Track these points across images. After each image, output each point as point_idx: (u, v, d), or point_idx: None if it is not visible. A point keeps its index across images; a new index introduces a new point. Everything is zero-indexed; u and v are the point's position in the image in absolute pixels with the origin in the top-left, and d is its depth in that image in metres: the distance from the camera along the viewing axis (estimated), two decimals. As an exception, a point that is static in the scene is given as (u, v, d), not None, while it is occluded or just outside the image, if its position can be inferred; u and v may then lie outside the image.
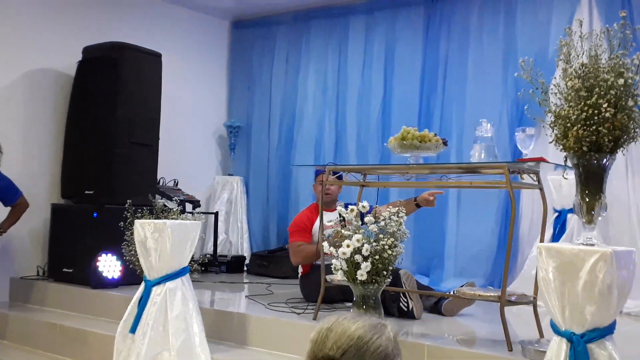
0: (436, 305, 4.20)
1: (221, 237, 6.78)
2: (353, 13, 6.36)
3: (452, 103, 5.61)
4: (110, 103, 5.34)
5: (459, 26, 5.68)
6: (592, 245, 2.27)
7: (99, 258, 5.06)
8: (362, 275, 3.10)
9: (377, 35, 6.18)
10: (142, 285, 3.70)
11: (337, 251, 3.18)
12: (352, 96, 6.26)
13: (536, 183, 3.37)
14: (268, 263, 6.28)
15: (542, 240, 3.30)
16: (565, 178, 2.69)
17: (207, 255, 6.44)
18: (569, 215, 4.80)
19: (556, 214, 4.85)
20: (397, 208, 3.14)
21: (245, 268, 6.57)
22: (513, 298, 3.22)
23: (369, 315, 1.38)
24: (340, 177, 4.03)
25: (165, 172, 6.11)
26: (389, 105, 6.00)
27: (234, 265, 6.48)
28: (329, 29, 6.51)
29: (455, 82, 5.62)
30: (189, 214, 5.68)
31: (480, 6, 5.59)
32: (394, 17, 6.07)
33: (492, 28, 5.49)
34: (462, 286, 4.03)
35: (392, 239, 3.09)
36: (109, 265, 5.10)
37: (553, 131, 2.39)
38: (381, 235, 3.10)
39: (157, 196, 5.77)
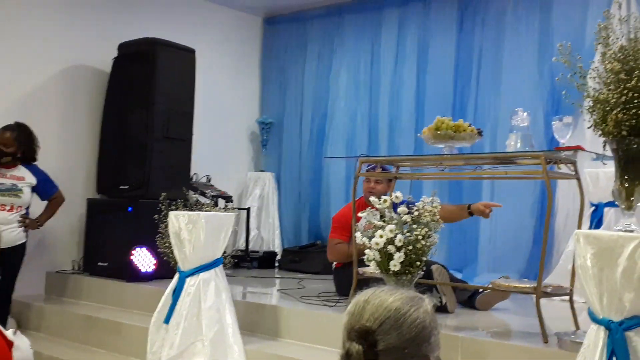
0: (470, 300, 4.15)
1: (253, 232, 6.80)
2: (386, 6, 6.33)
3: (486, 94, 5.56)
4: (144, 98, 5.41)
5: (494, 16, 5.62)
6: (632, 231, 2.22)
7: (133, 252, 5.12)
8: (395, 265, 3.07)
9: (410, 28, 6.15)
10: (176, 276, 3.73)
11: (369, 242, 3.16)
12: (385, 90, 6.24)
13: (573, 173, 3.31)
14: (299, 259, 6.28)
15: (579, 228, 3.24)
16: (604, 164, 2.64)
17: (239, 251, 6.47)
18: (606, 209, 4.70)
19: (593, 207, 4.76)
20: (431, 198, 3.10)
21: (276, 264, 6.58)
22: (549, 290, 3.17)
23: (406, 289, 1.36)
24: (374, 170, 4.01)
25: (199, 167, 6.15)
26: (422, 98, 5.97)
27: (266, 260, 6.50)
28: (361, 23, 6.49)
29: (489, 72, 5.57)
30: (221, 209, 5.74)
31: (515, -1, 5.53)
32: (427, 8, 6.04)
33: (527, 16, 5.42)
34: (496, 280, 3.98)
35: (425, 229, 3.06)
36: (143, 259, 5.16)
37: (592, 116, 2.34)
38: (415, 226, 3.06)
39: (191, 192, 5.84)
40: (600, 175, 4.59)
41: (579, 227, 3.27)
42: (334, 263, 4.72)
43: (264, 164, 7.14)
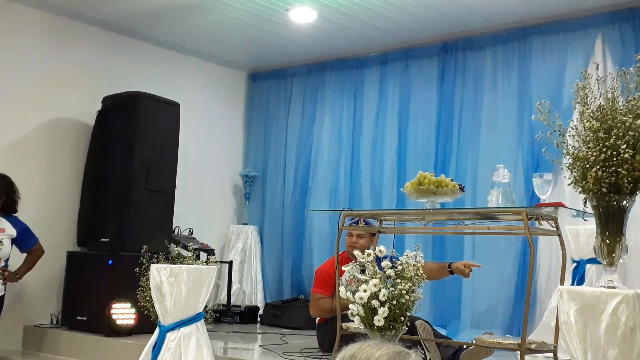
0: (454, 356, 4.12)
1: (235, 286, 6.73)
2: (367, 65, 6.48)
3: (467, 150, 5.65)
4: (127, 150, 5.41)
5: (473, 75, 5.77)
6: (614, 287, 2.24)
7: (113, 306, 5.04)
8: (379, 320, 3.05)
9: (391, 85, 6.28)
10: (157, 331, 3.68)
11: (353, 296, 3.14)
12: (367, 144, 6.32)
13: (554, 229, 3.34)
14: (282, 313, 6.22)
15: (562, 282, 3.26)
16: (585, 220, 2.67)
17: (221, 305, 6.39)
18: (588, 266, 4.73)
19: (574, 264, 4.79)
20: (414, 252, 3.11)
21: (259, 318, 6.50)
22: (533, 346, 3.17)
23: (393, 343, 1.35)
24: (357, 223, 4.03)
25: (181, 220, 6.12)
26: (404, 153, 6.05)
27: (248, 315, 6.42)
28: (344, 80, 6.62)
29: (470, 129, 5.68)
30: (203, 262, 5.69)
31: (494, 55, 5.69)
32: (408, 67, 6.19)
33: (506, 75, 5.57)
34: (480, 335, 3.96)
35: (409, 284, 3.06)
36: (122, 313, 5.07)
37: (572, 173, 2.38)
38: (398, 280, 3.06)
39: (172, 244, 5.80)
40: (580, 232, 4.64)
41: (562, 283, 3.29)
42: (317, 318, 4.68)
43: (247, 216, 7.13)
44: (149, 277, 3.85)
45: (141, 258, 4.31)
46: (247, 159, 7.30)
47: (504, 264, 5.29)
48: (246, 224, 7.07)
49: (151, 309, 4.00)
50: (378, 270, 3.19)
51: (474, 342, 3.67)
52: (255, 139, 7.27)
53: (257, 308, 6.62)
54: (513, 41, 5.56)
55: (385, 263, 3.16)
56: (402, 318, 3.08)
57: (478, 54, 5.77)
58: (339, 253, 4.82)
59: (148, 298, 4.05)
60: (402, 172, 5.96)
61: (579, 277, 4.76)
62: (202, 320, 3.71)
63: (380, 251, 3.25)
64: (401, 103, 6.16)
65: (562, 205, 3.13)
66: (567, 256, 4.43)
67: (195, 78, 6.85)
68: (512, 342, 3.23)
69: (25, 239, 4.81)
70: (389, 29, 5.91)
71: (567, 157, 2.40)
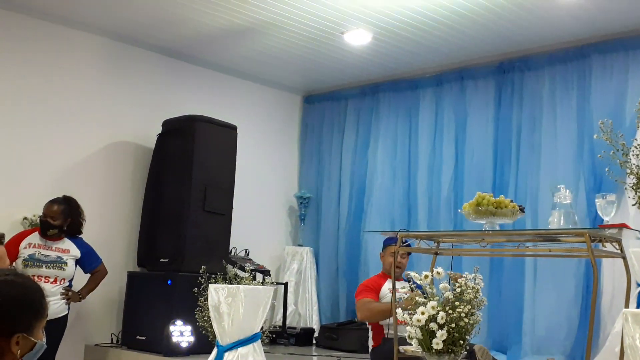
0: None
1: (290, 308, 6.75)
2: (421, 86, 6.45)
3: (526, 172, 5.55)
4: (185, 173, 5.52)
5: (531, 95, 5.68)
6: (683, 311, 2.16)
7: (172, 326, 5.11)
8: (437, 344, 3.02)
9: (446, 106, 6.23)
10: (215, 350, 3.72)
11: (410, 318, 3.12)
12: (423, 166, 6.27)
13: (619, 252, 3.25)
14: (337, 336, 6.19)
15: (626, 305, 3.16)
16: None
17: (277, 327, 6.41)
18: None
19: (639, 288, 4.63)
20: (473, 275, 3.07)
21: (314, 341, 6.49)
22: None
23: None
24: (409, 246, 4.01)
25: (237, 241, 6.19)
26: (460, 175, 5.97)
27: (303, 337, 6.41)
28: (398, 101, 6.61)
29: (529, 150, 5.57)
30: (260, 282, 5.74)
31: (551, 75, 5.59)
32: (463, 88, 6.14)
33: (565, 96, 5.47)
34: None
35: (468, 307, 3.01)
36: (181, 333, 5.13)
37: (636, 193, 2.33)
38: (457, 303, 3.02)
39: (229, 265, 5.87)
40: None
41: (627, 303, 3.19)
42: (371, 343, 4.65)
43: (302, 238, 7.16)
44: (207, 297, 3.91)
45: (199, 278, 4.39)
46: (302, 181, 7.35)
47: (566, 286, 5.15)
48: (301, 245, 7.09)
49: (209, 329, 4.06)
50: (435, 292, 3.16)
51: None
52: (310, 161, 7.31)
53: (313, 330, 6.61)
54: (572, 60, 5.46)
55: (443, 285, 3.13)
56: (461, 342, 3.03)
57: (535, 74, 5.68)
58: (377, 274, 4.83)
59: (206, 318, 4.11)
60: (460, 195, 5.88)
61: (644, 301, 4.60)
62: (259, 340, 3.74)
63: (438, 273, 3.22)
64: (457, 124, 6.11)
65: (626, 226, 3.04)
66: (632, 279, 4.30)
67: (251, 101, 6.96)
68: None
69: (89, 260, 4.93)
70: (443, 50, 5.90)
71: (631, 176, 2.34)
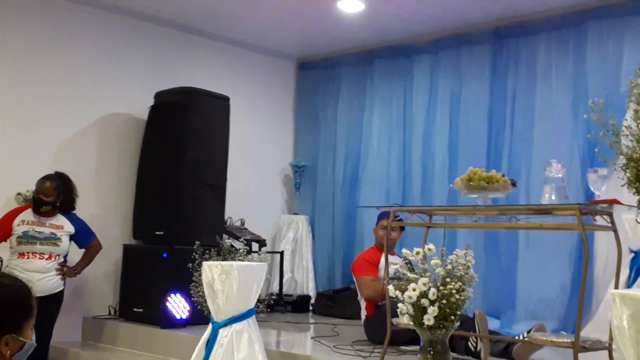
0: (506, 350, 4.08)
1: (287, 276, 6.80)
2: (417, 52, 6.37)
3: (520, 141, 5.52)
4: (179, 146, 5.50)
5: (526, 62, 5.61)
6: (671, 293, 2.16)
7: (169, 298, 5.15)
8: (429, 320, 3.04)
9: (442, 74, 6.16)
10: (209, 327, 3.75)
11: (402, 295, 3.14)
12: (418, 135, 6.24)
13: (610, 225, 3.25)
14: (333, 303, 6.25)
15: (616, 284, 3.18)
16: (638, 222, 2.59)
17: (273, 296, 6.44)
18: (647, 244, 4.59)
19: (632, 254, 4.65)
20: (464, 251, 3.08)
21: (310, 307, 6.56)
22: (587, 344, 3.10)
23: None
24: (401, 221, 4.01)
25: (232, 211, 6.20)
26: (455, 144, 5.94)
27: (300, 304, 6.48)
28: (393, 69, 6.54)
29: (523, 120, 5.53)
30: (255, 254, 5.76)
31: (547, 41, 5.52)
32: (459, 55, 6.06)
33: (560, 64, 5.40)
34: (531, 329, 3.90)
35: (459, 283, 3.03)
36: (177, 306, 5.18)
37: (625, 174, 2.31)
38: (448, 279, 3.04)
39: (225, 236, 5.89)
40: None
41: (617, 279, 3.21)
42: (364, 313, 4.69)
43: (298, 207, 7.17)
44: (201, 273, 3.93)
45: (194, 254, 4.40)
46: (297, 149, 7.33)
47: (559, 255, 5.17)
48: (297, 214, 7.11)
49: (204, 304, 4.09)
50: (427, 268, 3.17)
51: (527, 338, 3.62)
52: (305, 129, 7.28)
53: (309, 297, 6.67)
54: (568, 26, 5.38)
55: (434, 261, 3.14)
56: (452, 317, 3.06)
57: (531, 40, 5.60)
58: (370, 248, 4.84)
59: (201, 293, 4.14)
60: (454, 162, 5.87)
61: (636, 268, 4.63)
62: (254, 316, 3.77)
63: (429, 249, 3.23)
64: (452, 91, 6.05)
65: (617, 202, 3.04)
66: (625, 246, 4.32)
67: (245, 69, 6.89)
68: (566, 340, 3.17)
69: (83, 236, 4.94)
70: (439, 16, 5.82)
71: (621, 157, 2.33)
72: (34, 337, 1.79)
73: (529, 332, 3.83)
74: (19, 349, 1.72)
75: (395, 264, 4.32)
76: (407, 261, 3.42)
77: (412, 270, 3.33)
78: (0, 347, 1.68)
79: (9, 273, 4.47)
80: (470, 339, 3.91)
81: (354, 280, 4.85)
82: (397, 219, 4.04)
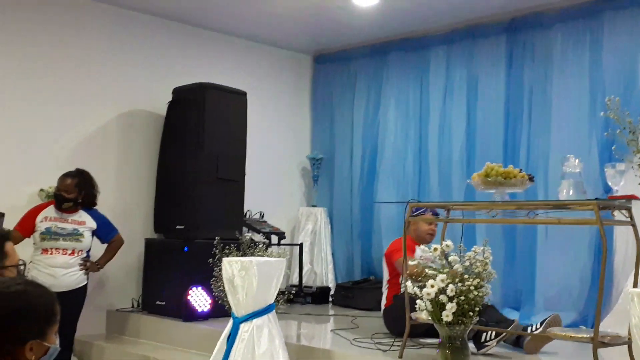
0: (518, 341, 4.08)
1: (306, 267, 6.84)
2: (432, 44, 6.34)
3: (538, 135, 5.48)
4: (197, 141, 5.55)
5: (542, 54, 5.56)
6: (689, 291, 2.18)
7: (190, 291, 5.22)
8: (447, 316, 3.07)
9: (457, 65, 6.13)
10: (230, 322, 3.80)
11: (421, 291, 3.17)
12: (434, 128, 6.23)
13: (628, 220, 3.25)
14: (353, 295, 6.29)
15: (635, 281, 3.18)
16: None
17: (293, 288, 6.50)
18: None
19: (651, 248, 4.64)
20: (482, 248, 3.10)
21: (330, 299, 6.61)
22: (607, 340, 3.11)
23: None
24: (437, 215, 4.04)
25: (251, 204, 6.26)
26: (472, 137, 5.92)
27: (320, 296, 6.53)
28: (409, 61, 6.52)
29: (540, 113, 5.49)
30: (274, 246, 5.82)
31: (564, 33, 5.46)
32: (474, 46, 6.02)
33: (576, 57, 5.34)
34: (545, 320, 3.86)
35: (477, 280, 3.05)
36: (199, 299, 5.25)
37: (643, 172, 2.31)
38: (466, 276, 3.06)
39: (244, 229, 5.95)
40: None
41: (636, 275, 3.21)
42: (383, 302, 4.72)
43: (316, 199, 7.20)
44: (221, 269, 3.98)
45: (214, 249, 4.46)
46: (315, 142, 7.35)
47: (579, 246, 5.15)
48: (315, 206, 7.15)
49: (225, 299, 4.14)
50: (445, 264, 3.20)
51: (546, 332, 3.63)
52: (322, 122, 7.29)
53: (329, 289, 6.71)
54: (584, 17, 5.31)
55: (452, 258, 3.16)
56: (471, 313, 3.08)
57: (547, 32, 5.54)
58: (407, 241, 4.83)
59: (222, 288, 4.19)
60: (472, 155, 5.85)
61: (657, 260, 4.61)
62: (274, 311, 3.81)
63: (447, 246, 3.25)
64: (468, 84, 6.02)
65: (635, 197, 3.04)
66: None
67: (261, 63, 6.93)
68: (585, 335, 3.18)
69: (105, 231, 5.01)
70: (453, 7, 5.79)
71: (638, 155, 2.33)
72: (57, 342, 1.84)
73: (542, 323, 3.83)
74: (44, 354, 1.77)
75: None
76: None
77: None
78: (25, 353, 1.73)
79: (33, 268, 4.62)
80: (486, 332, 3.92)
81: (385, 264, 4.83)
82: (415, 213, 4.06)
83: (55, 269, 4.69)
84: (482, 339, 3.87)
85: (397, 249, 4.71)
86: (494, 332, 3.83)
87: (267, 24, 6.44)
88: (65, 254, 4.76)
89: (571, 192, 3.22)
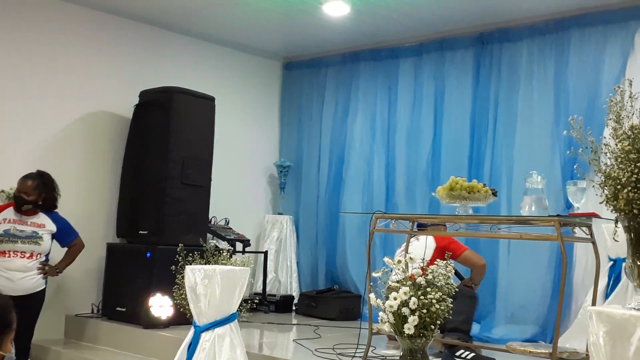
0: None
1: (270, 275, 6.81)
2: (401, 55, 6.40)
3: (502, 147, 5.55)
4: (163, 146, 5.50)
5: (509, 68, 5.65)
6: (645, 310, 2.21)
7: (151, 298, 5.15)
8: (409, 329, 3.07)
9: (426, 76, 6.19)
10: (192, 330, 3.76)
11: (383, 303, 3.17)
12: (401, 138, 6.27)
13: (589, 237, 3.30)
14: (316, 304, 6.27)
15: (594, 298, 3.23)
16: (616, 240, 2.63)
17: (257, 296, 6.46)
18: (625, 264, 4.64)
19: (611, 262, 4.71)
20: (445, 262, 3.12)
21: (293, 308, 6.58)
22: (565, 356, 3.15)
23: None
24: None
25: (217, 210, 6.21)
26: (438, 148, 5.98)
27: (283, 304, 6.50)
28: (378, 71, 6.56)
29: (505, 127, 5.57)
30: (238, 254, 5.77)
31: (530, 47, 5.55)
32: (443, 58, 6.09)
33: (542, 72, 5.43)
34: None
35: (439, 293, 3.06)
36: (160, 306, 5.17)
37: (603, 191, 2.35)
38: (429, 289, 3.07)
39: (209, 235, 5.90)
40: (619, 231, 4.55)
41: (595, 291, 3.26)
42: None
43: (282, 206, 7.18)
44: (184, 276, 3.93)
45: (177, 256, 4.41)
46: (282, 149, 7.34)
47: (539, 258, 5.22)
48: (281, 214, 7.12)
49: (186, 307, 4.09)
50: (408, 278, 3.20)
51: (505, 347, 3.67)
52: (290, 129, 7.29)
53: (292, 297, 6.69)
54: (550, 33, 5.42)
55: (415, 271, 3.17)
56: (432, 327, 3.09)
57: (514, 46, 5.63)
58: None
59: (184, 296, 4.13)
60: (437, 167, 5.90)
61: (615, 276, 4.69)
62: (236, 320, 3.77)
63: (411, 259, 3.26)
64: (436, 95, 6.08)
65: (596, 215, 3.08)
66: (604, 254, 4.37)
67: (231, 68, 6.90)
68: (544, 350, 3.21)
69: (65, 235, 4.92)
70: (424, 19, 5.84)
71: (599, 174, 2.36)
72: (13, 350, 1.80)
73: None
74: None
75: None
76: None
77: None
78: None
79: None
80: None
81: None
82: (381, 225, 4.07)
83: (13, 272, 4.59)
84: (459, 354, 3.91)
85: (455, 242, 4.70)
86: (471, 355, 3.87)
87: (238, 30, 6.42)
88: (24, 257, 4.66)
89: (533, 208, 3.26)
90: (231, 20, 6.16)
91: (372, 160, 6.48)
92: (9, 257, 4.63)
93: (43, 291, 4.80)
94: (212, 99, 5.80)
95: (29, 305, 4.63)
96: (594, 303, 3.28)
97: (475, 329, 5.19)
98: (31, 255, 4.69)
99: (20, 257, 4.65)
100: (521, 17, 5.57)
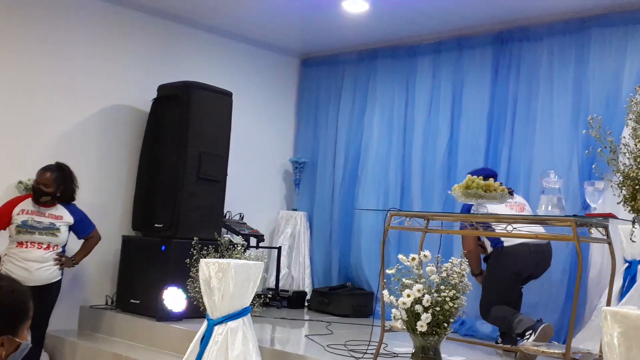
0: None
1: (283, 271, 6.82)
2: (419, 53, 6.36)
3: (520, 148, 5.51)
4: (180, 140, 5.52)
5: (528, 67, 5.60)
6: (661, 311, 2.19)
7: (165, 291, 5.18)
8: (422, 326, 3.07)
9: (444, 74, 6.16)
10: (205, 323, 3.78)
11: (397, 300, 3.17)
12: (418, 136, 6.24)
13: (605, 237, 3.28)
14: (329, 300, 6.27)
15: (609, 299, 3.20)
16: (633, 241, 2.61)
17: (269, 291, 6.48)
18: (640, 267, 4.61)
19: (626, 264, 4.67)
20: (459, 260, 3.11)
21: (306, 304, 6.59)
22: (578, 356, 3.13)
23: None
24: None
25: (232, 205, 6.23)
26: (455, 147, 5.94)
27: (295, 300, 6.51)
28: (396, 68, 6.53)
29: (523, 127, 5.52)
30: (252, 248, 5.79)
31: (550, 47, 5.50)
32: (461, 57, 6.05)
33: (561, 72, 5.38)
34: (530, 328, 3.89)
35: (453, 291, 3.06)
36: (174, 299, 5.20)
37: (621, 191, 2.34)
38: (443, 287, 3.07)
39: (223, 230, 5.92)
40: (635, 232, 4.52)
41: (610, 292, 3.23)
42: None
43: (297, 203, 7.19)
44: (198, 269, 3.96)
45: (192, 250, 4.43)
46: (298, 146, 7.34)
47: (554, 261, 5.17)
48: (296, 210, 7.13)
49: (200, 300, 4.12)
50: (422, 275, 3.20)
51: (519, 346, 3.65)
52: (306, 126, 7.29)
53: (305, 293, 6.69)
54: (571, 33, 5.36)
55: (429, 268, 3.16)
56: (445, 324, 3.09)
57: (534, 45, 5.58)
58: None
59: (198, 289, 4.16)
60: (454, 164, 5.87)
61: (630, 277, 4.65)
62: (249, 314, 3.79)
63: (425, 256, 3.25)
64: (454, 93, 6.04)
65: (612, 216, 3.06)
66: (620, 255, 4.34)
67: (248, 64, 6.91)
68: (557, 350, 3.20)
69: (82, 227, 4.95)
70: (442, 17, 5.82)
71: (617, 174, 2.35)
72: (29, 338, 1.82)
73: (527, 331, 3.84)
74: (15, 350, 1.75)
75: None
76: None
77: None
78: None
79: (7, 261, 4.56)
80: None
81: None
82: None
83: (30, 263, 4.63)
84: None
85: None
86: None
87: (256, 26, 6.43)
88: (41, 248, 4.70)
89: (550, 208, 3.24)
90: (249, 17, 6.17)
91: (389, 158, 6.45)
92: (27, 247, 4.67)
93: (59, 282, 4.84)
94: (229, 95, 5.82)
95: (44, 296, 4.67)
96: (608, 304, 3.25)
97: (487, 328, 5.18)
98: (48, 247, 4.73)
99: (38, 248, 4.69)
100: (541, 15, 5.53)
